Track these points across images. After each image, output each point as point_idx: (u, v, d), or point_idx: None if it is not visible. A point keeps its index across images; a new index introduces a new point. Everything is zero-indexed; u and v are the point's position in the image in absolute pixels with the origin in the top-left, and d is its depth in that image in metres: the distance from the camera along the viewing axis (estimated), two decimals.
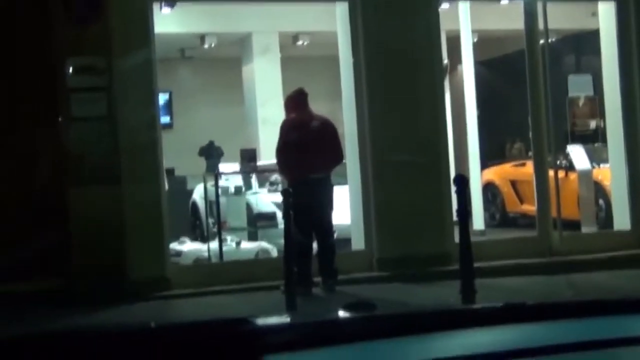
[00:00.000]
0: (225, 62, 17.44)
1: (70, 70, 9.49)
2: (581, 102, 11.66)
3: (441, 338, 1.83)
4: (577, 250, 10.84)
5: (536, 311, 2.09)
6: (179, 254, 11.15)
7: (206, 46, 16.38)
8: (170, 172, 12.40)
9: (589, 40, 13.46)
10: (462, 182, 6.84)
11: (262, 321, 1.92)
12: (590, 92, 11.73)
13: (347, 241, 10.65)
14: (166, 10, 12.52)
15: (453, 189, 7.76)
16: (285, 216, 8.14)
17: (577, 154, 12.45)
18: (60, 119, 9.59)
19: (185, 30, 15.27)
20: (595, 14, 12.27)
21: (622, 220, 11.49)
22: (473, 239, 8.14)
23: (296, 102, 9.70)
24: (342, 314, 2.22)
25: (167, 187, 10.46)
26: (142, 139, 9.70)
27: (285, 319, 2.34)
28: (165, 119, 15.59)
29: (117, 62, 9.60)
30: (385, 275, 10.00)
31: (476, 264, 7.35)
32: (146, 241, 9.54)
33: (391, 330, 1.86)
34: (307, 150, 9.27)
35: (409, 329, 1.86)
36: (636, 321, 1.99)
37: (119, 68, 9.60)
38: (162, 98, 15.04)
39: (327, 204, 9.39)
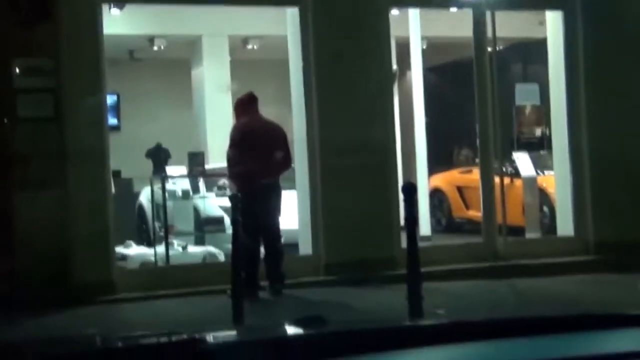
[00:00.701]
0: (174, 64, 17.35)
1: (18, 71, 9.39)
2: (528, 111, 11.81)
3: (389, 357, 1.84)
4: (521, 255, 10.98)
5: (484, 329, 2.11)
6: (125, 257, 11.06)
7: (155, 48, 16.28)
8: (117, 174, 12.30)
9: (536, 49, 13.62)
10: (410, 190, 6.89)
11: (208, 339, 1.93)
12: (537, 101, 11.87)
13: (294, 246, 10.66)
14: (115, 11, 12.44)
15: (401, 195, 7.81)
16: (233, 221, 8.13)
17: (523, 161, 12.61)
18: (5, 120, 9.47)
19: (134, 32, 15.16)
20: (542, 23, 12.43)
21: (565, 226, 11.65)
22: (420, 244, 8.21)
23: (246, 106, 9.68)
24: (291, 330, 2.23)
25: (113, 189, 10.37)
26: (89, 141, 9.61)
27: (231, 335, 2.34)
28: (112, 121, 15.48)
29: (65, 64, 9.51)
30: (333, 279, 10.03)
31: (423, 269, 7.41)
32: (92, 245, 9.46)
33: (340, 349, 1.88)
34: (257, 156, 9.26)
35: (358, 347, 1.88)
36: (582, 340, 2.02)
37: (67, 69, 9.51)
38: (110, 100, 14.92)
39: (275, 209, 9.39)
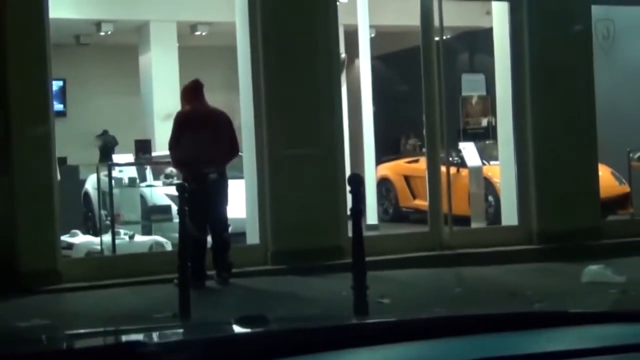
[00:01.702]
0: (121, 50, 17.18)
1: None
2: (474, 101, 11.91)
3: (332, 357, 1.86)
4: (467, 244, 11.09)
5: (426, 327, 2.14)
6: (70, 246, 10.95)
7: (102, 33, 16.11)
8: (63, 161, 12.16)
9: (482, 38, 13.73)
10: (356, 182, 6.91)
11: (147, 339, 1.92)
12: (483, 92, 11.98)
13: (242, 235, 10.65)
14: None
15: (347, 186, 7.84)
16: (180, 210, 8.10)
17: (469, 151, 12.72)
18: None
19: (80, 17, 14.98)
20: (489, 12, 12.54)
21: (510, 216, 11.78)
22: (366, 233, 8.25)
23: (191, 93, 9.62)
24: (233, 329, 2.23)
25: (59, 177, 10.26)
26: (35, 127, 9.50)
27: (171, 334, 2.33)
28: (58, 107, 15.30)
29: (10, 48, 9.38)
30: (280, 268, 10.05)
31: (369, 258, 7.44)
32: (37, 233, 9.36)
33: (284, 348, 1.89)
34: (202, 144, 9.22)
35: (301, 347, 1.89)
36: (524, 338, 2.05)
37: (12, 54, 9.38)
38: (56, 85, 14.75)
39: (222, 198, 9.37)
